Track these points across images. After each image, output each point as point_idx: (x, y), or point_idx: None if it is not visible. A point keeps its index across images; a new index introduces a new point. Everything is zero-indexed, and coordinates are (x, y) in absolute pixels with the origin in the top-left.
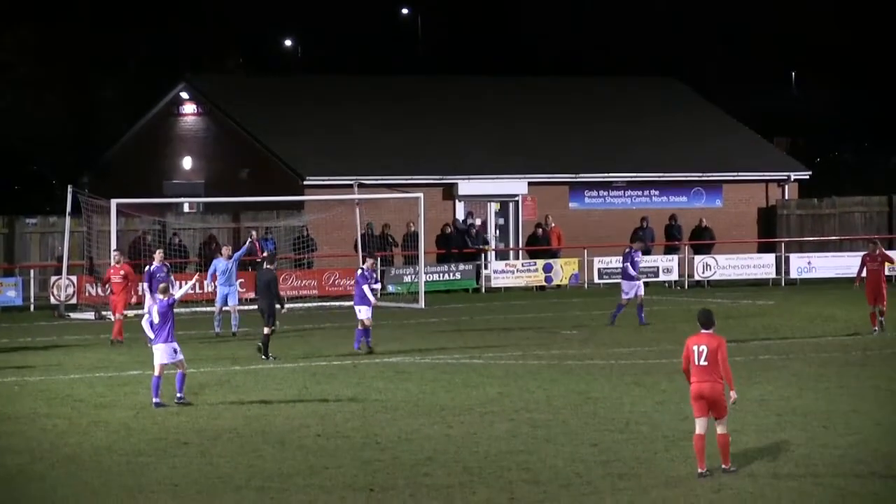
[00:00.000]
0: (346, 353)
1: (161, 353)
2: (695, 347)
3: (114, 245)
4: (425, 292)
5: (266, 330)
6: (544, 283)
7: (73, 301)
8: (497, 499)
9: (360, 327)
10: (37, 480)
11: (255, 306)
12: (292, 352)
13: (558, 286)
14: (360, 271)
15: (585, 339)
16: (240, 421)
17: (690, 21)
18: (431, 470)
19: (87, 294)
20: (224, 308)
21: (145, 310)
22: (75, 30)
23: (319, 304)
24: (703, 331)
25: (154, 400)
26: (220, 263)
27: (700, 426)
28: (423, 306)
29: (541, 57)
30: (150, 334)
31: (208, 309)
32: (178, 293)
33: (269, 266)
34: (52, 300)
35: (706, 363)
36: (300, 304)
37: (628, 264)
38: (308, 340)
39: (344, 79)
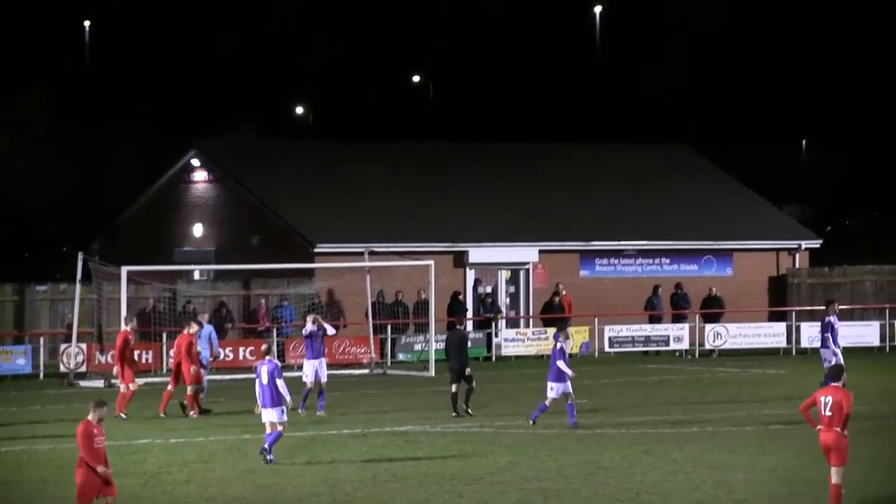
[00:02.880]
0: (356, 420)
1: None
2: (822, 398)
3: (124, 312)
4: (435, 360)
5: (454, 388)
6: None
7: (83, 369)
8: None
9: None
10: None
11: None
12: (302, 419)
13: (569, 354)
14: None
15: (596, 407)
16: (250, 490)
17: (702, 87)
18: None
19: (96, 362)
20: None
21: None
22: (88, 94)
23: (329, 371)
24: (831, 384)
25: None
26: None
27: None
28: (434, 374)
29: (551, 124)
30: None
31: (218, 377)
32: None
33: (459, 327)
34: (62, 368)
35: (831, 413)
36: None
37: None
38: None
39: (355, 145)
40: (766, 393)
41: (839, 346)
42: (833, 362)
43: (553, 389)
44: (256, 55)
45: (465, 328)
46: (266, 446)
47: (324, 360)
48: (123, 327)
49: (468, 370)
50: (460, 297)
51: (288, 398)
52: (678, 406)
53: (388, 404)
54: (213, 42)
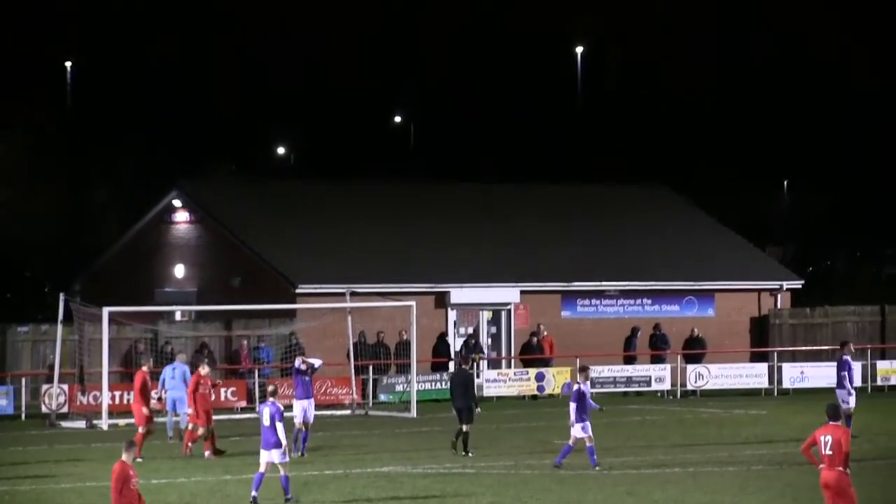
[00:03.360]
0: (338, 461)
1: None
2: (821, 437)
3: (105, 353)
4: (417, 401)
5: (465, 427)
6: (536, 392)
7: (65, 410)
8: None
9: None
10: None
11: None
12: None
13: (550, 395)
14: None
15: (578, 448)
16: None
17: (682, 128)
18: None
19: (78, 402)
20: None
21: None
22: (68, 135)
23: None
24: (829, 422)
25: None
26: (167, 370)
27: None
28: (416, 415)
29: (532, 165)
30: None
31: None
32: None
33: (465, 367)
34: (44, 409)
35: (831, 452)
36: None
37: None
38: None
39: (336, 186)
40: (748, 433)
41: (853, 386)
42: (850, 403)
43: (585, 429)
44: (237, 95)
45: (470, 367)
46: (287, 496)
47: (312, 402)
48: (142, 367)
49: (478, 410)
50: (447, 338)
51: (284, 443)
52: (660, 446)
53: (369, 445)
54: (195, 82)
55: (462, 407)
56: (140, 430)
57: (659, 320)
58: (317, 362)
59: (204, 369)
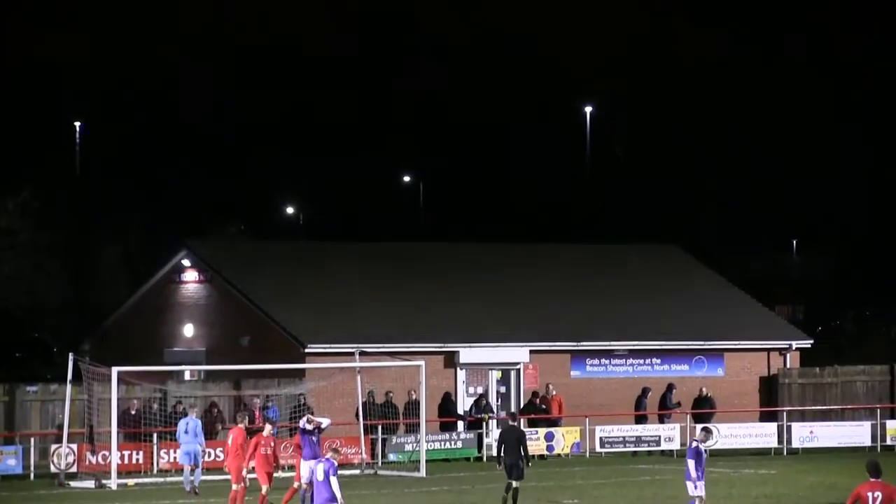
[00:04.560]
0: None
1: None
2: (869, 494)
3: (114, 412)
4: (427, 460)
5: (514, 483)
6: (546, 452)
7: (74, 469)
8: None
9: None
10: None
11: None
12: None
13: (560, 455)
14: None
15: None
16: None
17: (692, 189)
18: None
19: (87, 462)
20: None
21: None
22: (77, 196)
23: None
24: (872, 479)
25: None
26: (182, 424)
27: None
28: (425, 474)
29: (541, 224)
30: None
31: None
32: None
33: (513, 423)
34: (53, 468)
35: None
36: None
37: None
38: None
39: (345, 245)
40: (758, 493)
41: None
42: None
43: (697, 487)
44: (247, 156)
45: (519, 424)
46: None
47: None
48: (238, 424)
49: (522, 465)
50: (452, 397)
51: (339, 499)
52: None
53: None
54: (204, 142)
55: (512, 463)
56: (234, 487)
57: (669, 380)
58: (325, 422)
59: (266, 429)
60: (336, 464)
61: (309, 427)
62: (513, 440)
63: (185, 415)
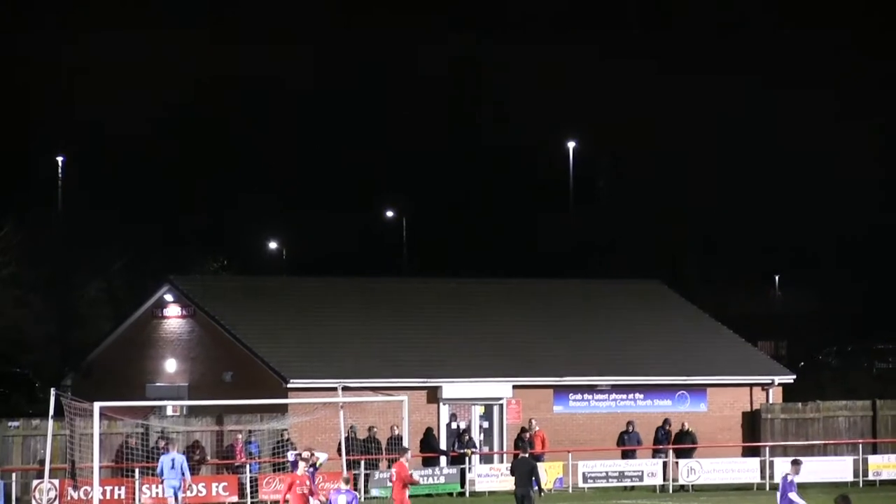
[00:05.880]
0: None
1: None
2: None
3: (97, 447)
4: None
5: None
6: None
7: None
8: None
9: None
10: None
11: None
12: None
13: (541, 490)
14: None
15: None
16: None
17: (675, 223)
18: None
19: (69, 497)
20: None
21: None
22: (58, 230)
23: None
24: None
25: None
26: (165, 460)
27: None
28: None
29: (524, 260)
30: None
31: None
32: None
33: (525, 455)
34: None
35: None
36: None
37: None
38: None
39: (328, 281)
40: None
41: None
42: None
43: None
44: (231, 192)
45: (530, 457)
46: None
47: (315, 501)
48: (301, 470)
49: (532, 495)
50: (433, 432)
51: None
52: None
53: None
54: (188, 178)
55: (524, 494)
56: None
57: (651, 416)
58: (322, 456)
59: (300, 468)
60: (358, 496)
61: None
62: (525, 471)
63: (167, 451)
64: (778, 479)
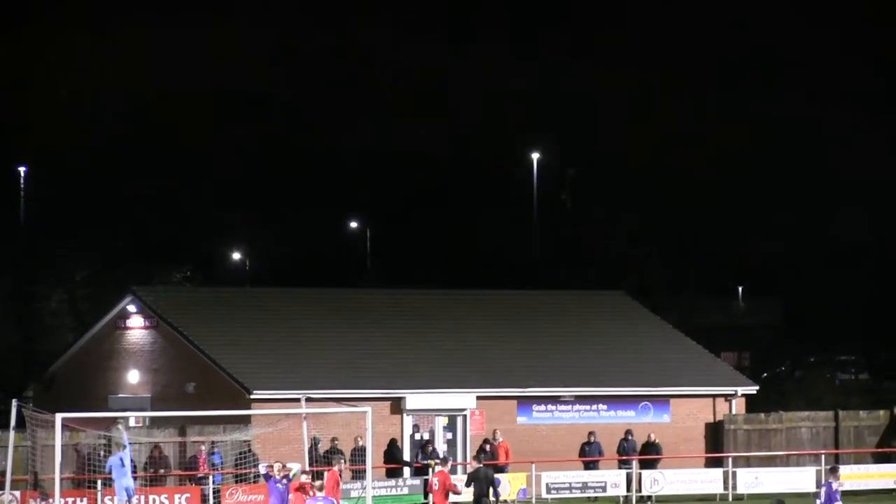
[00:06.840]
0: None
1: None
2: None
3: (58, 459)
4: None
5: None
6: (492, 498)
7: None
8: None
9: None
10: None
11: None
12: None
13: (506, 501)
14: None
15: None
16: None
17: (639, 234)
18: None
19: None
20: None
21: None
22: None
23: None
24: None
25: None
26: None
27: None
28: None
29: (489, 271)
30: None
31: None
32: None
33: (480, 466)
34: None
35: None
36: None
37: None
38: None
39: (292, 292)
40: None
41: None
42: None
43: None
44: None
45: (487, 468)
46: None
47: None
48: (334, 468)
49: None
50: (398, 443)
51: None
52: None
53: None
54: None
55: (482, 493)
56: None
57: (615, 426)
58: (294, 467)
59: (306, 477)
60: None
61: (275, 474)
62: (481, 478)
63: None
64: (741, 490)
